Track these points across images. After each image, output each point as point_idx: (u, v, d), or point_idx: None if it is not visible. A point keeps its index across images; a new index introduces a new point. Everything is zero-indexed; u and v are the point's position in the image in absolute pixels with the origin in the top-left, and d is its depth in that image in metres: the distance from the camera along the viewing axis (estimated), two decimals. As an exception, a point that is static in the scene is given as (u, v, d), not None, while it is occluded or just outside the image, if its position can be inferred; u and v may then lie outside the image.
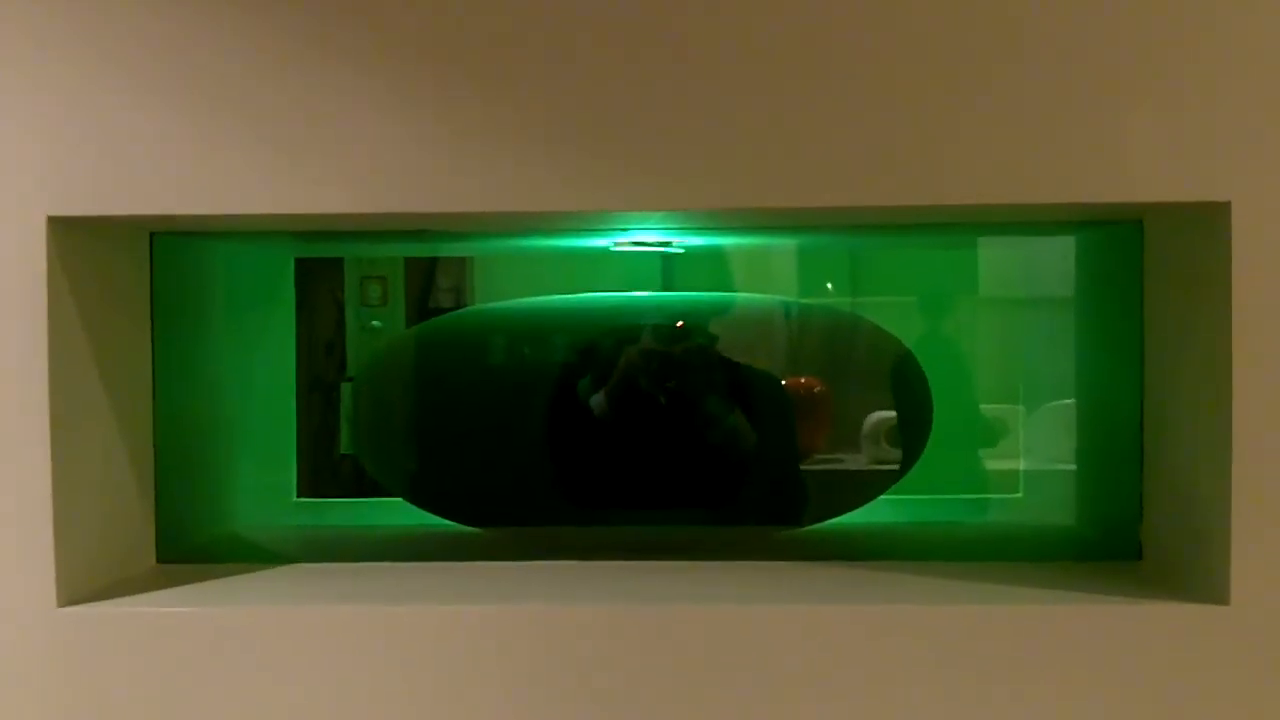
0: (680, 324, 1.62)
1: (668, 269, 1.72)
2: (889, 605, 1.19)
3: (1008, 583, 1.27)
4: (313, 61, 1.17)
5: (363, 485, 1.82)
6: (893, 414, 1.67)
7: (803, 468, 1.66)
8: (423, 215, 1.21)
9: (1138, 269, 1.35)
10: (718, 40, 1.16)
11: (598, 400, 1.55)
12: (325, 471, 1.86)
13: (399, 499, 1.68)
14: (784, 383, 1.67)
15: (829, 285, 1.85)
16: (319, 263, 1.83)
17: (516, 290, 1.81)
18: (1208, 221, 1.16)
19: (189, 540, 1.48)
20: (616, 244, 1.57)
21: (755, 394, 1.61)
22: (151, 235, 1.38)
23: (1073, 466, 1.61)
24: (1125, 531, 1.39)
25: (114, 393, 1.30)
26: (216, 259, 1.58)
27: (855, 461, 1.68)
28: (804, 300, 1.79)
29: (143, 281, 1.37)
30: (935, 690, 1.16)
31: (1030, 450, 1.77)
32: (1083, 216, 1.39)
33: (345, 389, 1.84)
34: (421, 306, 1.87)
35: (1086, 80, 1.14)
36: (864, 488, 1.65)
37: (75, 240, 1.21)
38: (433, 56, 1.17)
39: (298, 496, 1.81)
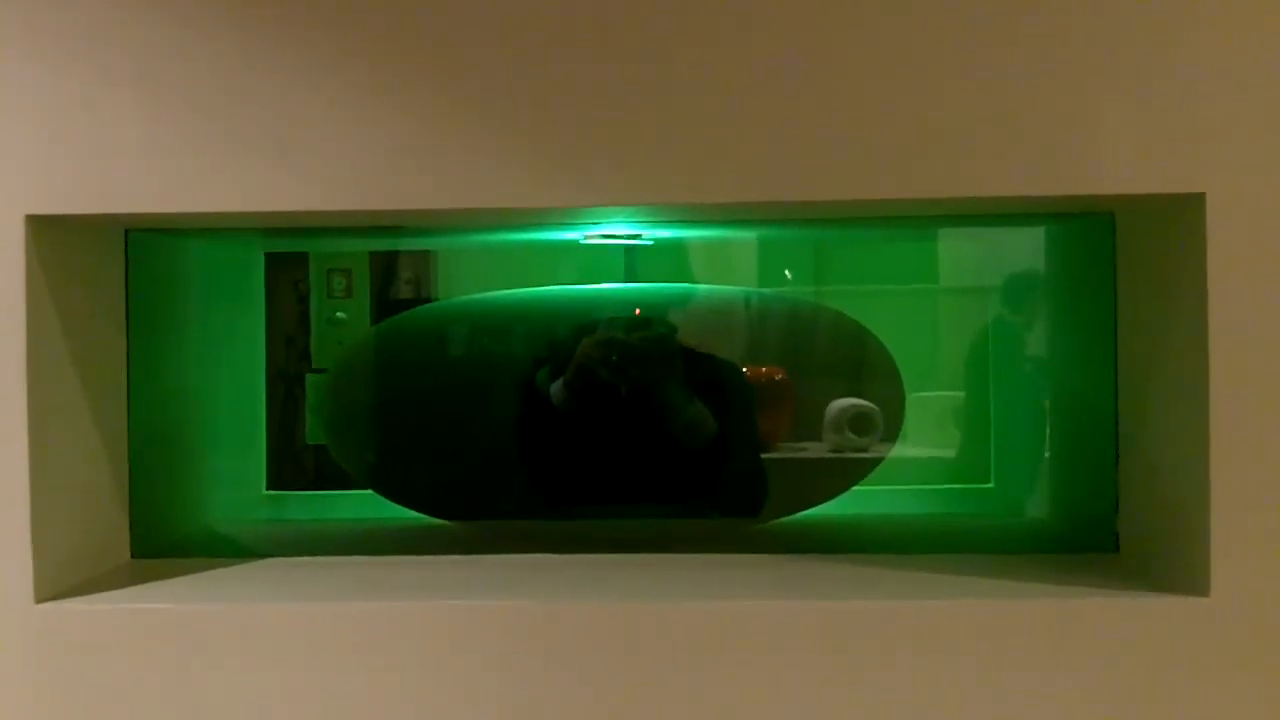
0: (638, 312, 1.62)
1: (630, 262, 1.72)
2: (861, 601, 1.19)
3: (983, 575, 1.27)
4: (285, 63, 1.18)
5: (328, 476, 1.82)
6: (856, 401, 1.67)
7: (775, 458, 1.66)
8: (395, 212, 1.21)
9: (1109, 261, 1.37)
10: (687, 39, 1.17)
11: (557, 390, 1.55)
12: (291, 463, 1.86)
13: (367, 490, 1.67)
14: (745, 371, 1.66)
15: (787, 274, 1.85)
16: (285, 256, 1.83)
17: (477, 280, 1.81)
18: (1182, 213, 1.17)
19: (163, 535, 1.48)
20: (586, 237, 1.57)
21: (716, 383, 1.60)
22: (126, 232, 1.38)
23: (1046, 455, 1.62)
24: (1101, 523, 1.40)
25: (90, 389, 1.30)
26: (189, 255, 1.58)
27: (818, 450, 1.68)
28: (765, 290, 1.79)
29: (118, 278, 1.37)
30: (912, 686, 1.17)
31: (1001, 439, 1.78)
32: (1053, 209, 1.40)
33: (310, 380, 1.84)
34: (383, 298, 1.86)
35: (1059, 72, 1.15)
36: (836, 479, 1.65)
37: (53, 238, 1.21)
38: (403, 57, 1.18)
39: (267, 489, 1.80)
